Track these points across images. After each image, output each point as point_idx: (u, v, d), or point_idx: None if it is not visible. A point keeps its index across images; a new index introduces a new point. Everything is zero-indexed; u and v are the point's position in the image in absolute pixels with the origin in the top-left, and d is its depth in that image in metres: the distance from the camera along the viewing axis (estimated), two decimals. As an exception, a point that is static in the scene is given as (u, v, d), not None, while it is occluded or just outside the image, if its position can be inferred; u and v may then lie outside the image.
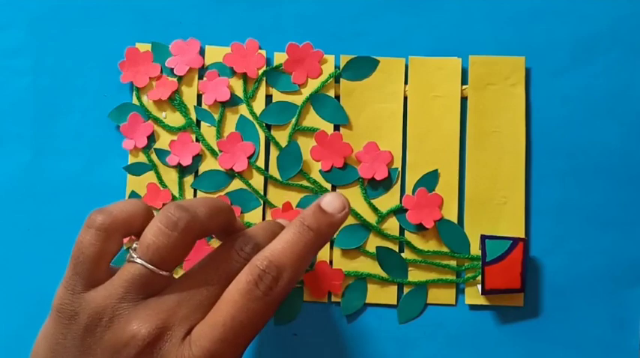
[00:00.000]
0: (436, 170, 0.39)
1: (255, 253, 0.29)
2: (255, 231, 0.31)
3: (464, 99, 0.39)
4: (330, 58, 0.40)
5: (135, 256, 0.27)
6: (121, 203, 0.29)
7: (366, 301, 0.39)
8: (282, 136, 0.40)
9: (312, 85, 0.40)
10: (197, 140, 0.40)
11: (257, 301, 0.27)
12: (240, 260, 0.29)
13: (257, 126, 0.40)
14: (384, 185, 0.39)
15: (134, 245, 0.28)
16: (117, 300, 0.27)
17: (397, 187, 0.39)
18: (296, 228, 0.29)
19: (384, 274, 0.38)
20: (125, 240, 0.30)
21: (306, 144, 0.39)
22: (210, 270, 0.28)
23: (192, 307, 0.27)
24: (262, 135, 0.40)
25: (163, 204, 0.39)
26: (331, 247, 0.39)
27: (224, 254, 0.29)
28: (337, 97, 0.40)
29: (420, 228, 0.38)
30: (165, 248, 0.27)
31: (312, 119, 0.40)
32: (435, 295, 0.38)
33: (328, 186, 0.39)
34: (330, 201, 0.30)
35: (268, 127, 0.40)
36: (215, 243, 0.39)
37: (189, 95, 0.40)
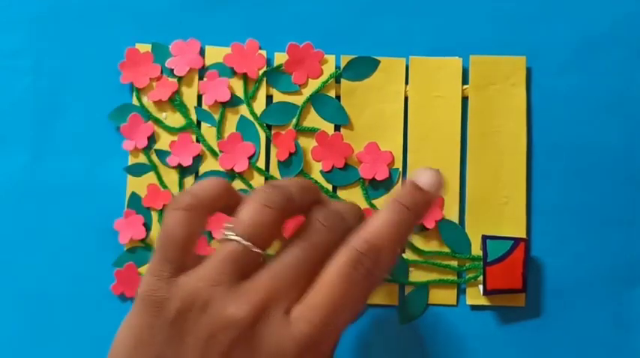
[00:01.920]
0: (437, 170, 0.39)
1: (339, 224, 0.28)
2: (338, 205, 0.30)
3: (465, 99, 0.39)
4: (331, 58, 0.40)
5: (230, 234, 0.27)
6: (203, 183, 0.29)
7: (367, 301, 0.38)
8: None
9: (313, 85, 0.40)
10: (197, 141, 0.40)
11: (356, 284, 0.27)
12: (324, 230, 0.28)
13: (257, 126, 0.40)
14: (385, 185, 0.39)
15: (227, 224, 0.27)
16: (210, 283, 0.26)
17: (398, 187, 0.39)
18: (393, 207, 0.28)
19: (385, 274, 0.38)
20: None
21: (306, 145, 0.39)
22: (298, 247, 0.28)
23: (287, 286, 0.27)
24: (263, 136, 0.40)
25: (164, 206, 0.39)
26: (332, 247, 0.39)
27: (309, 227, 0.28)
28: (338, 97, 0.40)
29: (421, 228, 0.38)
30: (262, 225, 0.27)
31: (313, 119, 0.40)
32: (436, 295, 0.38)
33: (329, 186, 0.39)
34: (426, 179, 0.29)
35: (269, 128, 0.40)
36: (215, 245, 0.39)
37: (189, 96, 0.40)
